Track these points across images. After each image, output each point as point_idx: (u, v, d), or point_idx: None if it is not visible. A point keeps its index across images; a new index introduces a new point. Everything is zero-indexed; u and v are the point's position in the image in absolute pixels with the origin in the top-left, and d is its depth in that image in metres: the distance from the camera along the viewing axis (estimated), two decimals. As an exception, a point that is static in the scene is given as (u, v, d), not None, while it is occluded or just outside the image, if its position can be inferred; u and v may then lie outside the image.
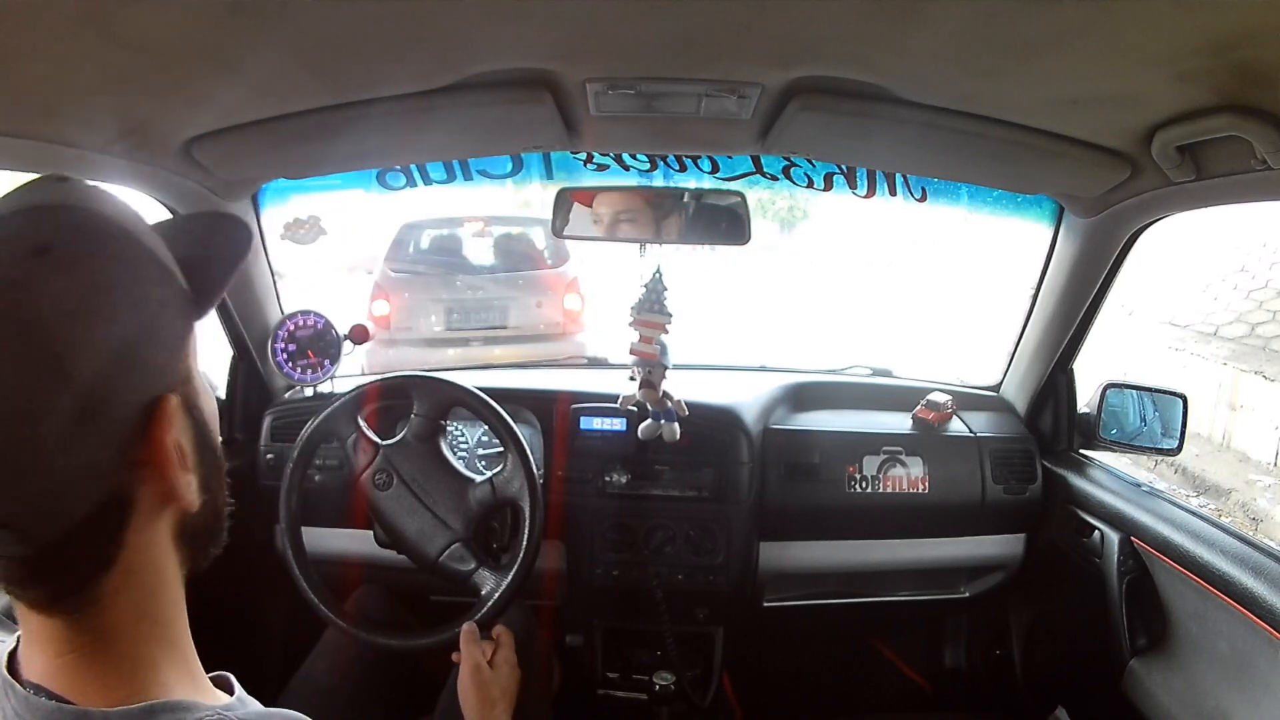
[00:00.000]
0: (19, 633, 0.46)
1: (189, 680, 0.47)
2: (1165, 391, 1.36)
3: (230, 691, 0.49)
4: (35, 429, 0.39)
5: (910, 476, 1.40)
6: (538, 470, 1.15)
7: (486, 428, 1.36)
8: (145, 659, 0.45)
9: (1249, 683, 0.97)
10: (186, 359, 0.47)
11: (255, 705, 0.49)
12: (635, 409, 1.31)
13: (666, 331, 1.23)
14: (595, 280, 4.90)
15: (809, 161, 1.28)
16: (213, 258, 0.50)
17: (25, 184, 0.45)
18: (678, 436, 1.28)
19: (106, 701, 0.43)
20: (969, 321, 6.67)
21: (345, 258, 8.07)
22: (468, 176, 1.30)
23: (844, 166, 1.29)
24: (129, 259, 0.44)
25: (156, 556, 0.46)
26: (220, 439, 0.51)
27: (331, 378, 1.47)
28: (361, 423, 1.13)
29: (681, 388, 1.29)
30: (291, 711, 0.48)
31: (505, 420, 1.11)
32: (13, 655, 0.46)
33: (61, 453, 0.40)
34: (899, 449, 1.41)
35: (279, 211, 1.39)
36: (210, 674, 0.50)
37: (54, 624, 0.43)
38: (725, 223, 1.23)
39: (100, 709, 0.42)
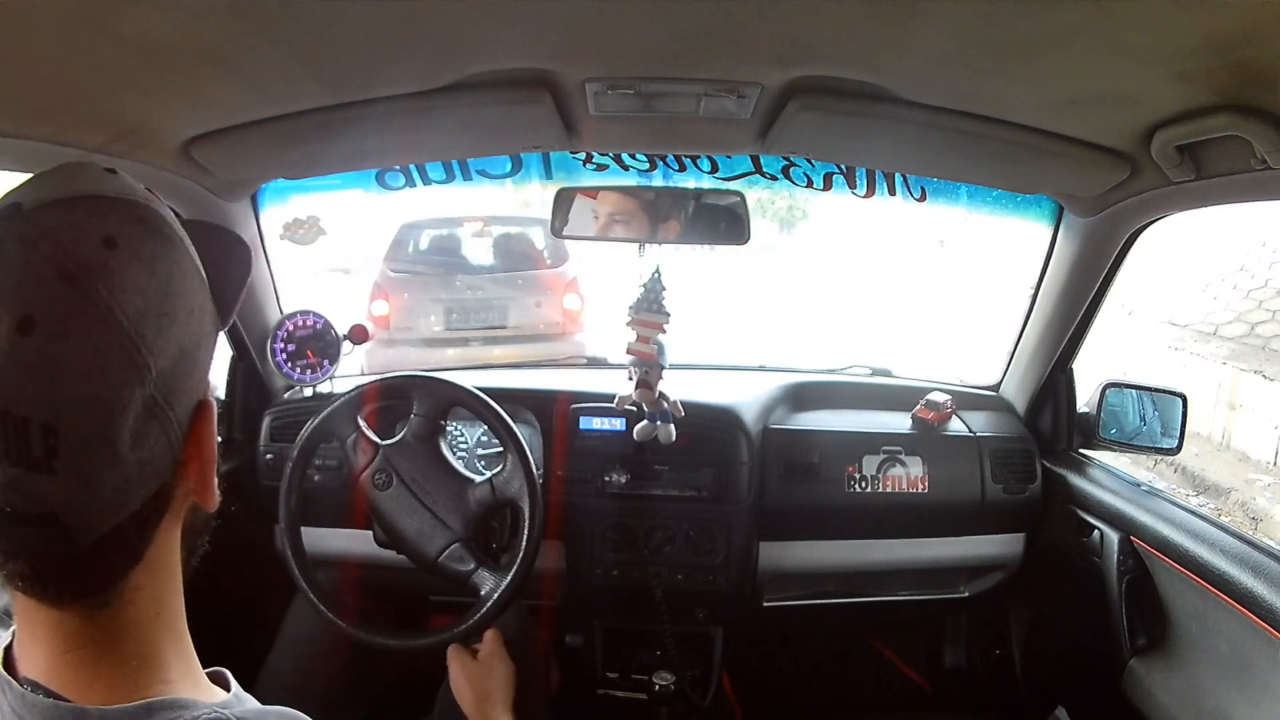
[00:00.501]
0: (13, 629, 0.46)
1: (190, 678, 0.47)
2: (1165, 391, 1.36)
3: (227, 688, 0.49)
4: (114, 421, 0.40)
5: (910, 476, 1.40)
6: (537, 470, 1.15)
7: (486, 428, 1.36)
8: (154, 654, 0.45)
9: (1249, 683, 0.97)
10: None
11: (252, 703, 0.49)
12: (632, 409, 1.31)
13: (664, 331, 1.23)
14: (594, 280, 4.89)
15: (808, 161, 1.28)
16: (226, 276, 0.50)
17: (68, 165, 0.44)
18: (673, 438, 1.28)
19: (107, 699, 0.43)
20: (968, 321, 6.67)
21: (324, 261, 7.83)
22: (467, 176, 1.30)
23: (843, 166, 1.29)
24: (185, 263, 0.45)
25: (172, 553, 0.48)
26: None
27: (331, 378, 1.47)
28: (361, 423, 1.13)
29: (680, 388, 1.29)
30: (289, 710, 0.48)
31: (505, 420, 1.11)
32: (8, 651, 0.45)
33: (131, 448, 0.41)
34: (898, 449, 1.41)
35: (278, 211, 1.39)
36: (207, 669, 0.50)
37: (64, 619, 0.43)
38: (724, 222, 1.23)
39: (98, 707, 0.42)
